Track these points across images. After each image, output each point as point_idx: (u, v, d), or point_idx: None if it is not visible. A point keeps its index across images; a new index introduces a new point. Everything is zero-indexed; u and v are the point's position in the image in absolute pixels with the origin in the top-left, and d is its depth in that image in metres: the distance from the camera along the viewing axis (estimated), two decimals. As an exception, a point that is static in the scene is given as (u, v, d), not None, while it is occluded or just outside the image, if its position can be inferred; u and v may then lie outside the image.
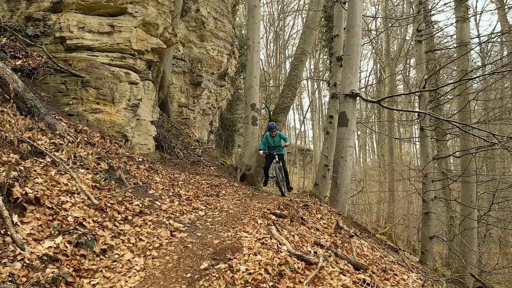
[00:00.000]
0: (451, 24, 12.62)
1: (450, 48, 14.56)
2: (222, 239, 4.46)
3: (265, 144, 10.05)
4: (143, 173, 6.60)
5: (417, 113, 11.79)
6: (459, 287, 8.15)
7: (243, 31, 20.48)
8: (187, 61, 14.58)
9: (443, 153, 14.69)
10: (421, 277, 6.10)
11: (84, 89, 7.24)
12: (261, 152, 9.88)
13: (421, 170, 11.75)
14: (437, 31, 15.05)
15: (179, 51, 14.25)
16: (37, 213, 3.59)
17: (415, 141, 21.28)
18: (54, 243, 3.38)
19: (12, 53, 7.09)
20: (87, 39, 7.63)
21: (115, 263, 3.60)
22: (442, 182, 13.58)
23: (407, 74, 23.49)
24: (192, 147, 11.91)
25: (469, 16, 12.56)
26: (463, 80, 9.53)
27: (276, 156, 9.80)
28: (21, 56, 7.15)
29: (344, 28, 10.29)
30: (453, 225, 13.56)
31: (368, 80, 31.19)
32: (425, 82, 10.44)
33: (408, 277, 5.60)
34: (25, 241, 3.25)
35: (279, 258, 3.86)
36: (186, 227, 4.91)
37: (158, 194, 5.85)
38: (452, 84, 13.24)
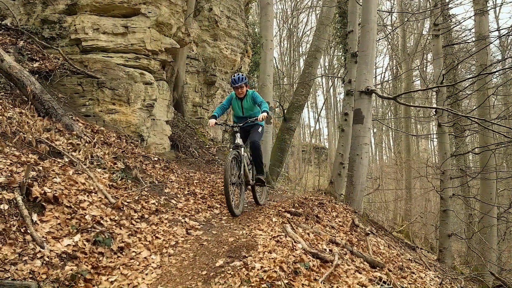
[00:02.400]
0: (470, 17, 12.36)
1: (468, 42, 14.27)
2: (237, 237, 4.47)
3: (224, 109, 6.30)
4: (158, 172, 6.67)
5: (434, 109, 11.59)
6: (478, 285, 7.99)
7: (256, 29, 20.46)
8: (201, 61, 14.64)
9: (462, 149, 14.44)
10: (439, 275, 6.01)
11: (100, 90, 7.34)
12: (211, 121, 5.90)
13: (439, 167, 11.54)
14: (455, 25, 14.76)
15: (193, 50, 14.32)
16: (56, 212, 3.66)
17: (433, 138, 20.93)
18: (73, 241, 3.45)
19: (29, 55, 7.23)
20: (102, 41, 7.73)
21: (132, 260, 3.64)
22: (461, 179, 13.29)
23: (424, 69, 23.13)
24: (207, 146, 11.97)
25: (488, 8, 12.30)
26: (482, 75, 9.31)
27: (238, 134, 5.94)
28: (38, 59, 7.29)
29: (359, 24, 10.17)
30: (472, 222, 13.30)
31: (384, 76, 30.83)
32: (443, 78, 10.24)
33: (426, 275, 5.52)
34: (44, 239, 3.32)
35: (294, 256, 3.85)
36: (201, 225, 4.94)
37: (173, 193, 5.90)
38: (470, 79, 12.99)
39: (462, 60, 13.26)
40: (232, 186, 5.52)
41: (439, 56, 11.82)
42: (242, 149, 5.81)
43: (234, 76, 5.96)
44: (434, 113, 11.76)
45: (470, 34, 16.40)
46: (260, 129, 6.23)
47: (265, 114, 5.68)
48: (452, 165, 13.14)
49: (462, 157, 15.16)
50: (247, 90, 6.15)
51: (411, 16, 17.21)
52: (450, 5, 13.00)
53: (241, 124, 5.99)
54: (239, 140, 5.81)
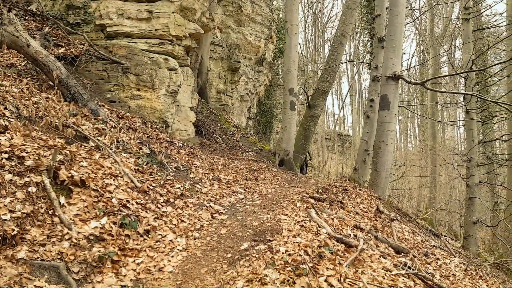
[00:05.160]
0: (501, 1, 11.86)
1: (499, 27, 13.76)
2: (262, 221, 4.46)
3: None
4: (183, 157, 6.71)
5: (463, 96, 11.25)
6: (504, 272, 7.79)
7: (280, 15, 20.18)
8: (225, 47, 14.57)
9: (489, 137, 14.11)
10: (464, 262, 5.89)
11: (125, 76, 7.40)
12: None
13: (465, 154, 11.28)
14: (485, 9, 14.19)
15: (217, 36, 14.24)
16: (83, 195, 3.72)
17: (460, 125, 20.34)
18: (100, 223, 3.50)
19: (55, 41, 7.34)
20: (126, 26, 7.76)
21: (158, 243, 3.68)
22: (487, 167, 12.98)
23: (453, 55, 22.35)
24: (231, 132, 11.98)
25: (523, -8, 11.71)
26: (513, 60, 8.96)
27: None
28: (63, 44, 7.39)
29: (387, 8, 9.87)
30: (497, 210, 13.12)
31: (410, 62, 29.98)
32: (472, 63, 9.86)
33: (451, 261, 5.42)
34: (72, 221, 3.38)
35: (318, 241, 3.81)
36: (226, 210, 4.95)
37: (198, 178, 5.94)
38: (500, 65, 12.50)
39: (493, 45, 12.70)
40: None
41: (469, 40, 11.40)
42: None
43: None
44: (462, 99, 11.43)
45: (501, 19, 15.74)
46: None
47: None
48: (479, 152, 12.84)
49: (489, 144, 14.82)
50: None
51: (440, 0, 16.61)
52: (481, -12, 12.47)
53: None
54: None
